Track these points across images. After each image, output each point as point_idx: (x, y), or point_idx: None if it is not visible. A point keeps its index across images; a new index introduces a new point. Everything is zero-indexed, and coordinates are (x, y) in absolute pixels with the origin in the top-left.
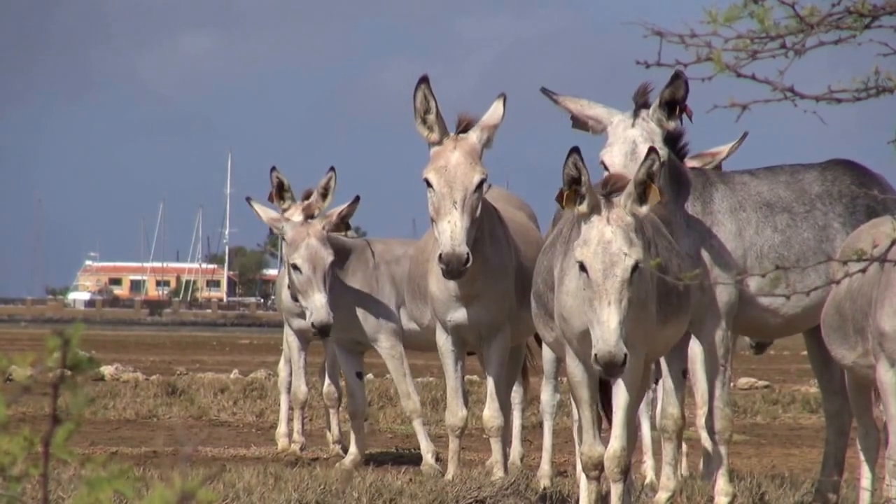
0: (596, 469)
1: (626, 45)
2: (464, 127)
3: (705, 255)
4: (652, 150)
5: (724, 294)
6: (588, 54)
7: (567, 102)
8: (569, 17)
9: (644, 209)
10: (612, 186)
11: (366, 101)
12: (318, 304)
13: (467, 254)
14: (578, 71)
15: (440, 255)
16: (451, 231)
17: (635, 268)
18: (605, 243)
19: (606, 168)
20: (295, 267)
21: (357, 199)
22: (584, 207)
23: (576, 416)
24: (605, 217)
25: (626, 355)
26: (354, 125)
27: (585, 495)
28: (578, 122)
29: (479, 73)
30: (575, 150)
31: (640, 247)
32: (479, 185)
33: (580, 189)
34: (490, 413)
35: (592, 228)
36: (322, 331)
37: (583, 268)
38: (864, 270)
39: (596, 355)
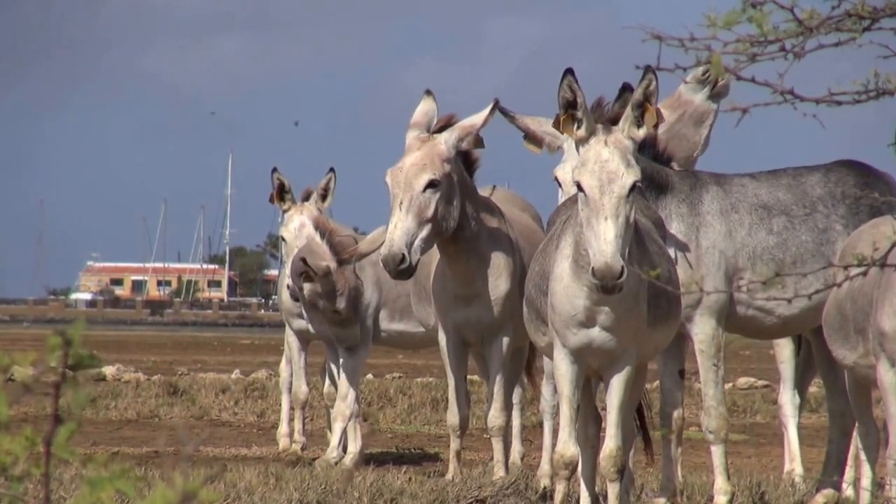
0: (566, 469)
1: (650, 46)
2: (441, 126)
3: (690, 256)
4: (649, 68)
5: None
6: (616, 55)
7: (525, 120)
8: (597, 18)
9: (642, 132)
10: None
11: (372, 102)
12: (351, 336)
13: (403, 254)
14: (606, 72)
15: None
16: (390, 233)
17: (633, 187)
18: (603, 162)
19: (560, 184)
20: (336, 312)
21: None
22: (581, 131)
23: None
24: (602, 139)
25: (623, 268)
26: (357, 125)
27: (560, 498)
28: (533, 139)
29: (507, 74)
30: (569, 71)
31: (638, 169)
32: (431, 186)
33: (577, 113)
34: (492, 413)
35: (590, 150)
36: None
37: (580, 188)
38: (864, 273)
39: (594, 269)
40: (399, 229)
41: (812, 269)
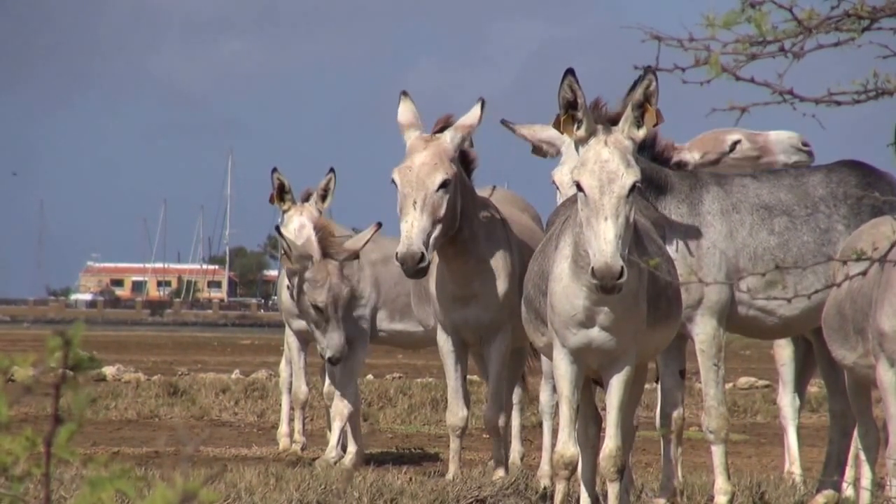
0: (566, 469)
1: (650, 47)
2: (440, 127)
3: (692, 256)
4: (649, 69)
5: (713, 293)
6: (617, 57)
7: (522, 130)
8: (599, 20)
9: (641, 133)
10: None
11: (373, 102)
12: (334, 342)
13: (422, 253)
14: (608, 73)
15: (396, 255)
16: (407, 232)
17: (633, 188)
18: (603, 162)
19: (557, 186)
20: (317, 308)
21: (379, 225)
22: (581, 132)
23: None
24: (602, 139)
25: (622, 268)
26: (358, 126)
27: (560, 498)
28: (538, 150)
29: (509, 75)
30: (570, 71)
31: (638, 169)
32: (443, 185)
33: (577, 113)
34: (492, 413)
35: (590, 150)
36: (335, 363)
37: (580, 188)
38: (864, 273)
39: (593, 269)
40: (416, 228)
41: (811, 264)
